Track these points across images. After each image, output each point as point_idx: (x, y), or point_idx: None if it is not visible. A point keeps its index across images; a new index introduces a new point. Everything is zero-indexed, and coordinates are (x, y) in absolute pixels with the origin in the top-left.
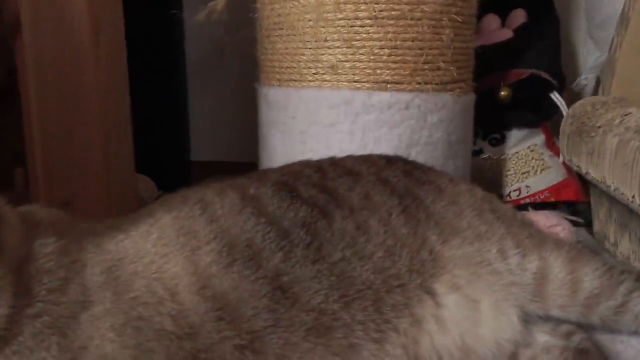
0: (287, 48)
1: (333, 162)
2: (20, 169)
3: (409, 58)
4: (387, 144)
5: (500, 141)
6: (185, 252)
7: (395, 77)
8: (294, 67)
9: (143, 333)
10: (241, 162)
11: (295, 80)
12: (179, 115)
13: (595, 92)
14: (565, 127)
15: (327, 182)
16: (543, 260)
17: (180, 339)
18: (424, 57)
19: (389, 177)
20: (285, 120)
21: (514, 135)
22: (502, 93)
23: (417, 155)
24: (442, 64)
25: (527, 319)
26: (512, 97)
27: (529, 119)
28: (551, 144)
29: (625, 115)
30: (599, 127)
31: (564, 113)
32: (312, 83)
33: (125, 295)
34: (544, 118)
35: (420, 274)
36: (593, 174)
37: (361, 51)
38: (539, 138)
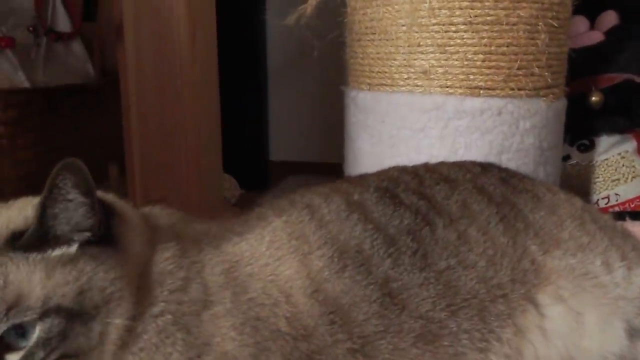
0: (378, 52)
1: (428, 168)
2: (113, 165)
3: (503, 64)
4: (478, 150)
5: (589, 147)
6: (298, 256)
7: (489, 82)
8: (385, 72)
9: (260, 333)
10: (317, 163)
11: (386, 85)
12: (259, 116)
13: None
14: None
15: (425, 189)
16: None
17: (295, 339)
18: (518, 62)
19: (485, 185)
20: (374, 124)
21: (604, 141)
22: (593, 98)
23: (508, 162)
24: (536, 70)
25: (633, 334)
26: (604, 102)
27: (621, 125)
28: None
29: None
30: None
31: None
32: (403, 88)
33: (243, 297)
34: (636, 124)
35: (523, 284)
36: None
37: (455, 56)
38: (630, 145)
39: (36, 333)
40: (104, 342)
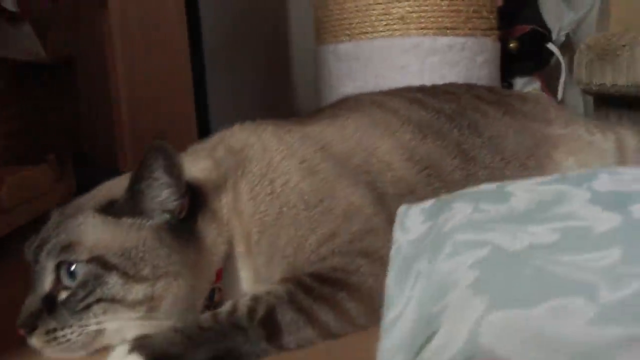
0: (357, 6)
1: (423, 88)
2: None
3: (462, 8)
4: (449, 81)
5: (509, 88)
6: (387, 134)
7: (452, 23)
8: (365, 22)
9: (371, 193)
10: None
11: (367, 33)
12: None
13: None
14: (581, 59)
15: (439, 97)
16: None
17: (401, 196)
18: (473, 7)
19: (479, 94)
20: (358, 69)
21: (518, 82)
22: (511, 45)
23: None
24: (485, 13)
25: None
26: (519, 49)
27: (531, 68)
28: (544, 88)
29: None
30: (624, 45)
31: (560, 59)
32: (383, 33)
33: (349, 165)
34: (542, 66)
35: (541, 147)
36: (622, 82)
37: (426, 3)
38: (537, 84)
39: (80, 275)
40: (156, 305)
